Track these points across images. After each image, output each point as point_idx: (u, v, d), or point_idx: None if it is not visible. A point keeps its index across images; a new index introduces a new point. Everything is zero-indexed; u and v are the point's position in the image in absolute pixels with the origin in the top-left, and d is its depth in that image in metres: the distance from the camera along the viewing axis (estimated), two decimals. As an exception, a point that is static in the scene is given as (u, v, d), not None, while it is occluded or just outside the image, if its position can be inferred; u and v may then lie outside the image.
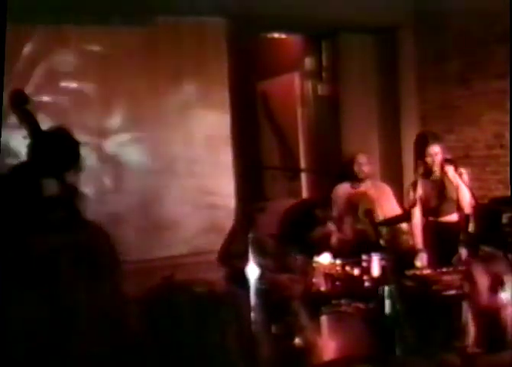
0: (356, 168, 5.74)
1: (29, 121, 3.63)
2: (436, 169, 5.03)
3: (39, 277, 3.41)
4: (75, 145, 3.69)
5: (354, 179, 5.77)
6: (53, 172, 3.62)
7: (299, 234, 4.30)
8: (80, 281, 3.49)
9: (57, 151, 3.63)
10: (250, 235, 4.11)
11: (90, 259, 3.56)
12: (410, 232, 5.32)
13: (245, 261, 4.20)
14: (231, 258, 4.42)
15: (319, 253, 4.50)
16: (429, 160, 5.00)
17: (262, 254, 4.18)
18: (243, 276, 4.24)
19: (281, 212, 4.44)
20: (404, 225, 5.55)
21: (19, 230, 3.42)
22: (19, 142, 3.85)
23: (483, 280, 3.16)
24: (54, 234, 3.49)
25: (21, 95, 3.73)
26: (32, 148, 3.62)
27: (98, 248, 3.63)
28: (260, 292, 4.10)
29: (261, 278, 4.11)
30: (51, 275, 3.43)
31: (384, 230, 5.41)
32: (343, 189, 5.84)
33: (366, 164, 5.76)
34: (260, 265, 4.09)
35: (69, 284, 3.47)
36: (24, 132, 3.63)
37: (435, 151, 5.01)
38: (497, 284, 3.18)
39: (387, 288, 4.35)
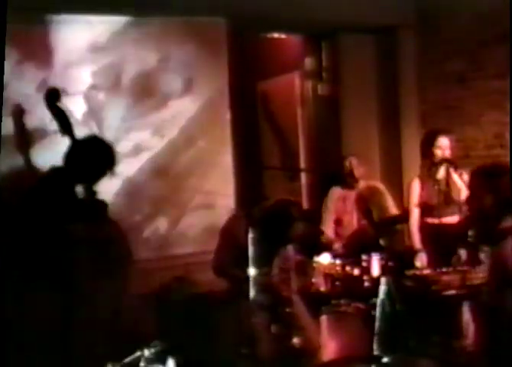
0: (348, 171, 5.76)
1: (61, 118, 3.77)
2: (442, 167, 5.03)
3: (64, 267, 3.51)
4: (110, 152, 3.80)
5: (347, 182, 5.79)
6: (89, 178, 3.74)
7: (277, 233, 4.31)
8: (99, 273, 3.60)
9: (94, 157, 3.79)
10: (250, 236, 4.12)
11: (111, 253, 3.69)
12: (409, 232, 5.34)
13: (239, 268, 4.22)
14: (225, 267, 4.43)
15: (300, 251, 4.52)
16: (438, 152, 4.99)
17: (262, 256, 4.19)
18: (239, 283, 4.26)
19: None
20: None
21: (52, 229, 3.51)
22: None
23: None
24: (82, 226, 3.62)
25: (55, 92, 3.89)
26: (69, 155, 3.78)
27: (118, 243, 3.77)
28: (259, 296, 4.12)
29: (259, 282, 4.13)
30: (74, 265, 3.54)
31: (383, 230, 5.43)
32: (337, 192, 5.87)
33: (357, 166, 5.78)
34: (258, 267, 4.12)
35: (89, 275, 3.55)
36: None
37: (445, 143, 5.01)
38: None
39: (387, 288, 4.35)
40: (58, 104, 3.97)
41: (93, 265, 3.65)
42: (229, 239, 4.43)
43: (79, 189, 3.76)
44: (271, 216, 4.37)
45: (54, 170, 3.78)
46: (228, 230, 4.50)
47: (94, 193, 3.80)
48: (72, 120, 3.92)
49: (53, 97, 4.00)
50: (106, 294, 3.71)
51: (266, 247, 4.24)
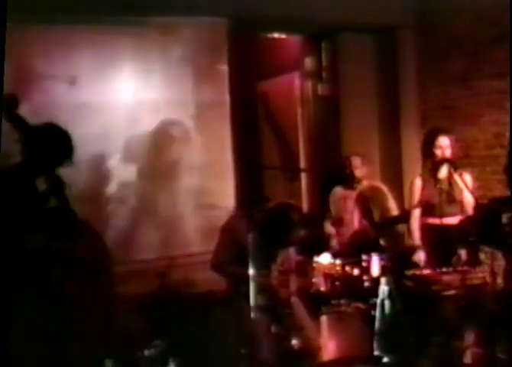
0: (350, 171, 5.74)
1: (21, 126, 3.63)
2: (443, 167, 5.03)
3: (34, 276, 3.44)
4: (67, 139, 3.70)
5: (349, 181, 5.78)
6: (47, 168, 3.63)
7: (277, 237, 4.32)
8: (75, 280, 3.52)
9: (49, 145, 3.64)
10: (250, 238, 4.14)
11: (85, 259, 3.60)
12: (409, 232, 5.34)
13: (238, 266, 4.23)
14: (224, 264, 4.43)
15: (300, 252, 4.52)
16: (438, 152, 4.99)
17: (262, 258, 4.21)
18: (237, 281, 4.27)
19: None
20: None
21: (15, 229, 3.44)
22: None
23: None
24: (50, 233, 3.52)
25: (12, 99, 3.71)
26: (24, 145, 3.62)
27: (93, 247, 3.67)
28: (258, 297, 4.12)
29: (259, 284, 4.15)
30: (46, 274, 3.46)
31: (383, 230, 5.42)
32: (339, 191, 5.85)
33: (359, 166, 5.75)
34: (258, 269, 4.13)
35: (64, 283, 3.50)
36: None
37: (445, 143, 5.00)
38: None
39: (387, 288, 4.35)
40: (16, 111, 3.65)
41: (69, 274, 3.57)
42: (229, 237, 4.43)
43: (41, 184, 3.60)
44: (271, 220, 4.38)
45: (10, 168, 3.65)
46: (229, 228, 4.51)
47: (59, 186, 3.64)
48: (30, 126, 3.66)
49: (9, 104, 3.63)
50: (92, 297, 3.65)
51: (266, 249, 4.25)
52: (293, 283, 4.54)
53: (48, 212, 3.59)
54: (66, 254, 3.52)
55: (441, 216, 4.99)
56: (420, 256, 4.96)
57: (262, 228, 4.28)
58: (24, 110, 3.69)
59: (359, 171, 5.74)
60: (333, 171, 6.21)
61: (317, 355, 4.38)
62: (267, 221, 4.37)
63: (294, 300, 4.47)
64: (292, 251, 4.57)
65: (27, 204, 3.51)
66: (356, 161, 5.76)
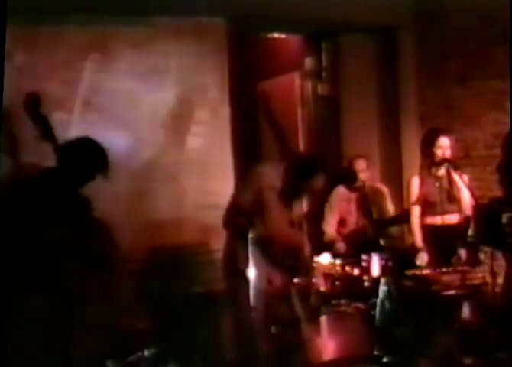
0: (354, 174, 5.72)
1: (42, 125, 3.69)
2: (442, 167, 5.03)
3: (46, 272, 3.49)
4: (102, 155, 3.76)
5: (352, 183, 5.76)
6: (79, 181, 3.70)
7: (301, 185, 4.40)
8: (88, 277, 3.58)
9: (85, 160, 3.71)
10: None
11: (99, 257, 3.66)
12: (409, 232, 5.34)
13: (250, 220, 4.23)
14: (237, 217, 4.36)
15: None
16: (438, 152, 4.99)
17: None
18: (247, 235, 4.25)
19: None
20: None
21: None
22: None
23: None
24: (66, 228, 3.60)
25: (35, 98, 3.78)
26: (61, 156, 3.70)
27: (107, 246, 3.73)
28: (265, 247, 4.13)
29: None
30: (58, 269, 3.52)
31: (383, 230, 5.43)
32: (341, 192, 5.85)
33: (365, 170, 5.73)
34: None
35: (78, 279, 3.53)
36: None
37: (445, 143, 5.01)
38: None
39: (386, 288, 4.36)
40: (38, 110, 3.80)
41: (83, 267, 3.62)
42: (254, 182, 4.41)
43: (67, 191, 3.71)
44: (296, 164, 4.46)
45: (44, 173, 3.73)
46: (256, 174, 4.48)
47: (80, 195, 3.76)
48: (52, 125, 3.78)
49: (33, 103, 3.82)
50: (101, 294, 3.69)
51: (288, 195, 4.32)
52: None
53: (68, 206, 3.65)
54: (78, 250, 3.59)
55: (441, 214, 5.00)
56: (423, 259, 4.95)
57: (286, 172, 4.37)
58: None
59: (363, 174, 5.71)
60: (335, 171, 6.20)
61: (316, 354, 4.38)
62: (294, 166, 4.42)
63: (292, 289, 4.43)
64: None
65: (52, 212, 3.56)
66: (361, 164, 5.73)
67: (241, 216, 4.32)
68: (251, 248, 4.13)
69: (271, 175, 4.42)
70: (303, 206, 4.45)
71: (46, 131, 3.73)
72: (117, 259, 3.84)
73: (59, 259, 3.55)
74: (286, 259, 4.36)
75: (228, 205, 4.43)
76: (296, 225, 4.36)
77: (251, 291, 4.11)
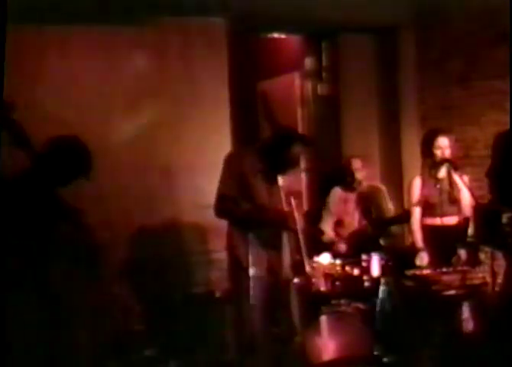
0: (350, 173, 5.73)
1: (16, 131, 3.60)
2: (443, 167, 5.03)
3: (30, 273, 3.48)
4: (85, 155, 3.72)
5: (349, 183, 5.77)
6: (61, 181, 3.66)
7: (281, 158, 4.35)
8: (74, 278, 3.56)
9: (67, 160, 3.66)
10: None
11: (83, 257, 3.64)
12: (409, 232, 5.34)
13: (238, 204, 4.24)
14: (225, 203, 4.36)
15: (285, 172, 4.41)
16: (437, 152, 4.99)
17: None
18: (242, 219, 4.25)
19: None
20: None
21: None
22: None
23: None
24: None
25: (8, 105, 3.67)
26: (42, 157, 3.63)
27: (91, 247, 3.70)
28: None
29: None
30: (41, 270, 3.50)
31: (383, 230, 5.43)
32: (339, 193, 5.85)
33: (360, 169, 5.75)
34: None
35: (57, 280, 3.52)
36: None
37: (445, 143, 5.00)
38: None
39: (386, 288, 4.36)
40: (11, 116, 3.56)
41: (66, 265, 3.59)
42: (232, 167, 4.40)
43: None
44: (272, 139, 4.47)
45: (25, 172, 3.65)
46: (232, 156, 4.48)
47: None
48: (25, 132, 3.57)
49: (6, 110, 3.56)
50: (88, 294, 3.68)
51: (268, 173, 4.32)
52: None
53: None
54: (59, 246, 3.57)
55: (441, 215, 5.00)
56: (423, 259, 4.95)
57: (262, 149, 4.40)
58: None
59: (360, 173, 5.73)
60: (332, 171, 6.21)
61: (316, 354, 4.38)
62: (269, 141, 4.45)
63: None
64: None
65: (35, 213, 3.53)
66: (357, 163, 5.75)
67: (228, 202, 4.33)
68: (249, 236, 4.18)
69: (249, 156, 4.41)
70: (287, 180, 4.39)
71: (19, 138, 3.55)
72: (99, 259, 3.80)
73: (45, 257, 3.52)
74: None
75: (216, 193, 4.41)
76: (285, 202, 4.31)
77: (251, 284, 4.11)
